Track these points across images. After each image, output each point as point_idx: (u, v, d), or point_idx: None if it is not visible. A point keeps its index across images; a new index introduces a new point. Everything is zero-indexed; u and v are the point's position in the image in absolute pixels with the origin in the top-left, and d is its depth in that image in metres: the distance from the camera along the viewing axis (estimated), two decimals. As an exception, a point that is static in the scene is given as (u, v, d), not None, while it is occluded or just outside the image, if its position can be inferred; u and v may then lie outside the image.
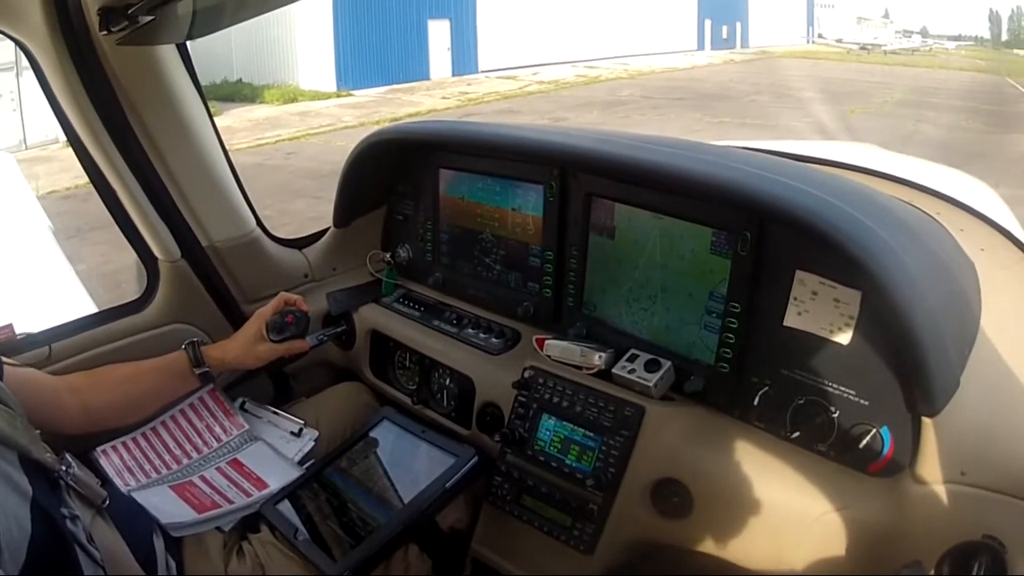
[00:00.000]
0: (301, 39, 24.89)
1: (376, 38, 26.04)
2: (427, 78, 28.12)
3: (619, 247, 1.96)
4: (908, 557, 1.40)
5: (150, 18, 1.62)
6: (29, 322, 2.01)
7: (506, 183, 2.20)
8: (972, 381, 1.48)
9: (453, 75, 29.13)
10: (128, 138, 1.98)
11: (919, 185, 2.18)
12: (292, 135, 17.98)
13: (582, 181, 2.00)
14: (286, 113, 21.34)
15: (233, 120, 19.41)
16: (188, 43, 2.02)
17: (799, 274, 1.62)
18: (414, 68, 27.60)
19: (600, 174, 1.96)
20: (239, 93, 23.69)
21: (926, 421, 1.43)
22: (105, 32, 1.70)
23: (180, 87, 2.04)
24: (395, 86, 26.14)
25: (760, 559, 1.63)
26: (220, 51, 23.84)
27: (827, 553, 1.51)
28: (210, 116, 2.17)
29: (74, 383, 1.91)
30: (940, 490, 1.41)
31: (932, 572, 1.36)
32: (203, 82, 2.14)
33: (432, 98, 24.03)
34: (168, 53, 1.98)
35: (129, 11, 1.61)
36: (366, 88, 25.25)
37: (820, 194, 1.60)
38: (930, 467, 1.43)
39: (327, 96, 24.20)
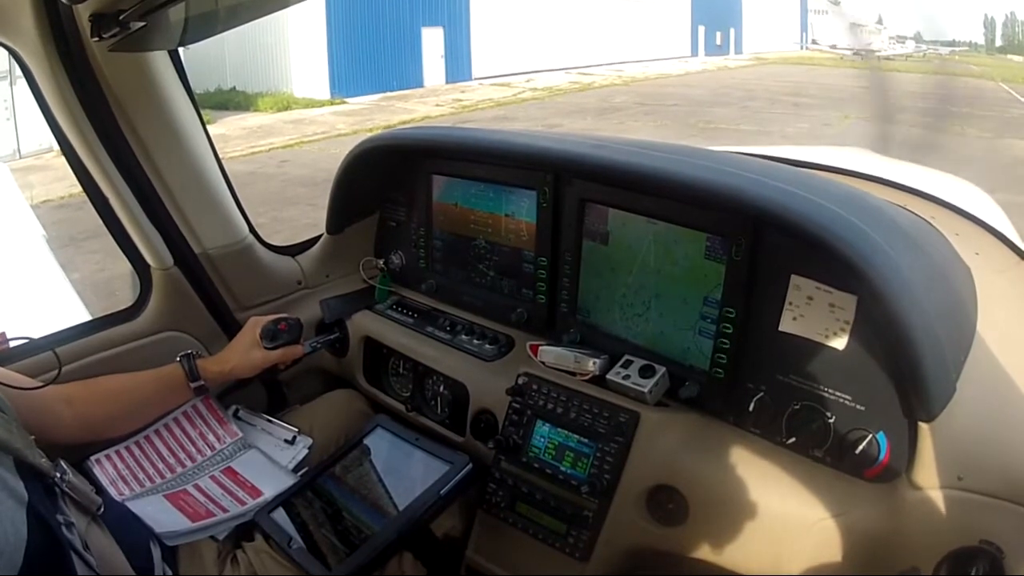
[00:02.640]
0: (295, 47, 24.88)
1: (369, 46, 26.06)
2: (421, 85, 28.11)
3: (613, 253, 1.96)
4: (905, 563, 1.40)
5: (141, 24, 1.61)
6: (23, 331, 1.99)
7: (499, 189, 2.19)
8: (969, 386, 1.48)
9: (447, 82, 29.15)
10: (120, 145, 1.97)
11: (914, 189, 2.17)
12: (286, 143, 17.97)
13: (576, 187, 1.99)
14: (280, 121, 21.33)
15: (227, 128, 19.40)
16: (181, 50, 2.01)
17: (794, 279, 1.61)
18: (408, 75, 27.60)
19: (594, 179, 1.96)
20: (233, 101, 23.69)
21: (922, 426, 1.43)
22: (97, 38, 1.69)
23: (172, 94, 2.03)
24: (389, 93, 26.15)
25: (756, 566, 1.62)
26: (214, 59, 23.83)
27: (824, 560, 1.50)
28: (202, 123, 2.16)
29: (69, 393, 1.90)
30: (937, 495, 1.41)
31: (930, 578, 1.36)
32: (197, 90, 2.13)
33: (426, 105, 24.03)
34: (160, 60, 1.97)
35: (120, 17, 1.60)
36: (360, 96, 25.26)
37: (814, 198, 1.59)
38: (927, 472, 1.42)
39: (321, 104, 24.21)
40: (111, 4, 1.62)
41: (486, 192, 2.23)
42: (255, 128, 20.02)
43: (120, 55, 1.86)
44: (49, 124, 1.97)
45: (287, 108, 23.43)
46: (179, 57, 2.03)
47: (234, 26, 1.88)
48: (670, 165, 1.78)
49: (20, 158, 14.31)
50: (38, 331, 2.07)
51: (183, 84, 2.06)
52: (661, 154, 1.89)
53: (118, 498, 1.88)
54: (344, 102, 24.67)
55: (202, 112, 2.15)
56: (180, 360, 2.06)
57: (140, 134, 2.00)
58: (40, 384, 1.76)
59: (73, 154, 2.00)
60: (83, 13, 1.72)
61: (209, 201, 2.22)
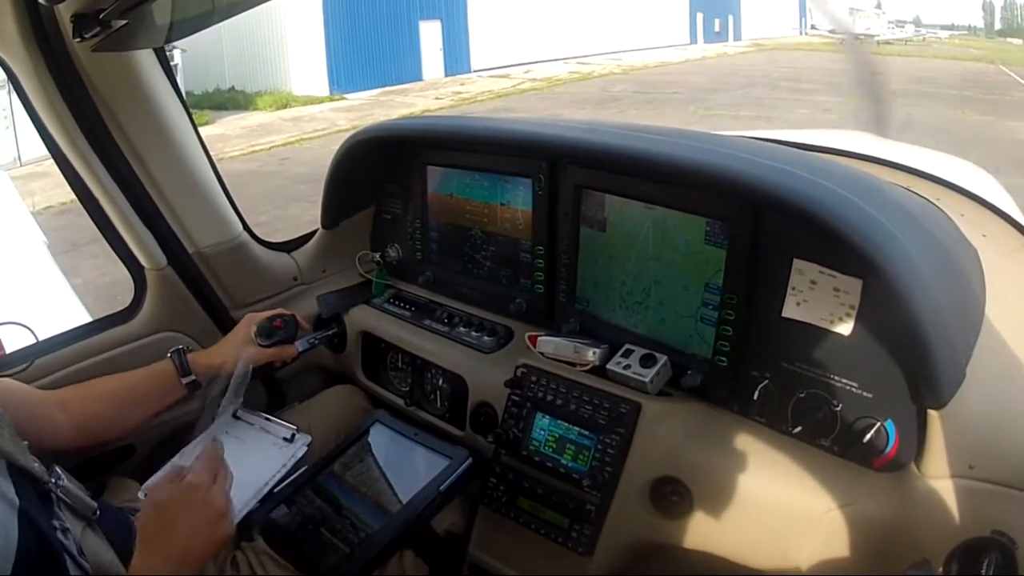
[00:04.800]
0: (292, 45, 24.94)
1: (367, 41, 26.10)
2: (420, 79, 28.19)
3: (611, 240, 1.93)
4: (916, 554, 1.38)
5: (123, 22, 1.59)
6: (25, 339, 1.98)
7: (494, 178, 2.17)
8: (978, 371, 1.45)
9: (446, 75, 29.22)
10: (109, 146, 1.95)
11: (918, 170, 2.15)
12: (286, 141, 17.96)
13: (571, 173, 1.96)
14: (279, 119, 21.33)
15: (227, 128, 19.41)
16: (178, 53, 1.99)
17: (797, 263, 1.58)
18: (406, 69, 27.65)
19: (589, 165, 1.93)
20: (232, 101, 23.74)
21: (932, 414, 1.40)
22: (79, 39, 1.67)
23: (159, 93, 2.00)
24: (388, 88, 26.17)
25: (763, 559, 1.59)
26: (212, 60, 23.82)
27: (832, 551, 1.48)
28: (192, 121, 2.14)
29: (63, 397, 1.89)
30: (947, 485, 1.38)
31: (940, 570, 1.34)
32: (196, 91, 2.12)
33: (425, 99, 24.06)
34: (145, 59, 1.95)
35: (101, 16, 1.58)
36: (359, 91, 25.32)
37: (817, 179, 1.56)
38: (937, 461, 1.40)
39: (320, 100, 24.24)
40: (91, 3, 1.60)
41: (481, 181, 2.21)
42: (255, 127, 20.02)
43: (104, 55, 1.84)
44: (37, 128, 1.96)
45: (286, 106, 23.46)
46: (165, 55, 2.01)
47: (221, 20, 1.85)
48: (666, 148, 1.76)
49: (21, 165, 14.35)
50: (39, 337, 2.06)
51: (171, 82, 2.04)
52: (656, 137, 1.86)
53: None
54: (343, 98, 24.71)
55: (202, 112, 2.14)
56: (171, 356, 2.04)
57: (128, 134, 1.98)
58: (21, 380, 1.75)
59: (62, 157, 1.98)
60: (65, 14, 1.69)
61: (200, 199, 2.20)
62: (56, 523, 1.40)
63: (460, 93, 25.19)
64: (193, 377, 2.04)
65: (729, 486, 1.61)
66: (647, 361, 1.79)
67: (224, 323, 2.32)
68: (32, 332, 1.95)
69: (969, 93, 23.90)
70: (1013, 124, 17.86)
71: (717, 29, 49.41)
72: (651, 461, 1.73)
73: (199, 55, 20.41)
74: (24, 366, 1.96)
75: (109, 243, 2.18)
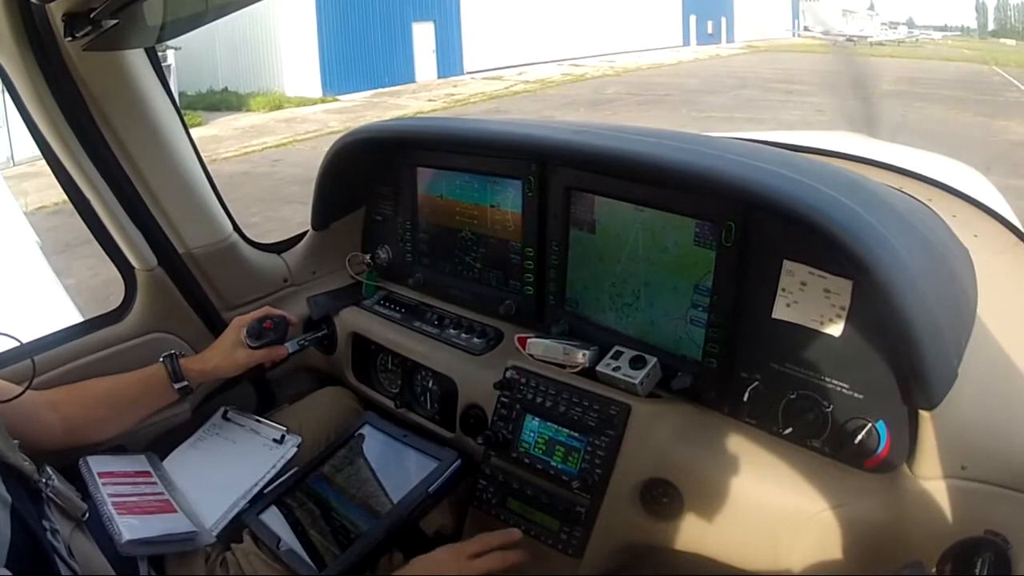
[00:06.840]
0: (285, 45, 24.95)
1: (360, 42, 26.11)
2: (413, 81, 28.21)
3: (600, 242, 1.93)
4: (909, 555, 1.38)
5: (114, 22, 1.58)
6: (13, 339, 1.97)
7: (484, 179, 2.17)
8: (971, 371, 1.45)
9: (439, 77, 29.26)
10: (99, 146, 1.94)
11: (909, 171, 2.15)
12: (279, 142, 17.98)
13: (561, 175, 1.96)
14: (272, 120, 21.36)
15: (219, 129, 19.42)
16: (172, 53, 1.98)
17: (787, 264, 1.58)
18: (399, 71, 27.67)
19: (578, 166, 1.93)
20: (225, 102, 23.74)
21: (924, 414, 1.40)
22: (70, 38, 1.65)
23: (150, 93, 1.99)
24: (381, 90, 26.17)
25: (755, 560, 1.59)
26: (205, 61, 23.83)
27: (824, 553, 1.48)
28: (183, 121, 2.12)
29: (54, 398, 1.88)
30: (940, 485, 1.38)
31: (934, 570, 1.33)
32: (189, 92, 2.11)
33: (418, 100, 24.08)
34: (136, 59, 1.93)
35: (92, 15, 1.57)
36: (352, 93, 25.33)
37: (805, 180, 1.56)
38: (929, 462, 1.39)
39: (313, 102, 24.25)
40: (82, 2, 1.58)
41: (471, 183, 2.20)
42: (248, 128, 20.02)
43: (96, 55, 1.82)
44: (28, 127, 1.94)
45: (279, 107, 23.48)
46: (157, 56, 2.00)
47: (210, 21, 1.84)
48: (655, 150, 1.76)
49: (14, 165, 14.32)
50: (29, 338, 2.05)
51: (162, 83, 2.03)
52: (645, 138, 1.86)
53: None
54: (336, 99, 24.71)
55: (195, 113, 2.13)
56: (163, 360, 2.04)
57: (119, 134, 1.96)
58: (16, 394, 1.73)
59: (53, 157, 1.97)
60: (56, 13, 1.68)
61: (191, 200, 2.19)
62: (46, 523, 1.40)
63: (453, 95, 25.20)
64: (185, 383, 2.04)
65: (720, 488, 1.61)
66: (637, 363, 1.78)
67: (214, 324, 2.31)
68: (18, 341, 1.94)
69: (962, 94, 23.99)
70: (1006, 124, 17.92)
71: (710, 31, 49.54)
72: (641, 463, 1.72)
73: (192, 55, 20.43)
74: (14, 365, 1.94)
75: (99, 243, 2.16)
